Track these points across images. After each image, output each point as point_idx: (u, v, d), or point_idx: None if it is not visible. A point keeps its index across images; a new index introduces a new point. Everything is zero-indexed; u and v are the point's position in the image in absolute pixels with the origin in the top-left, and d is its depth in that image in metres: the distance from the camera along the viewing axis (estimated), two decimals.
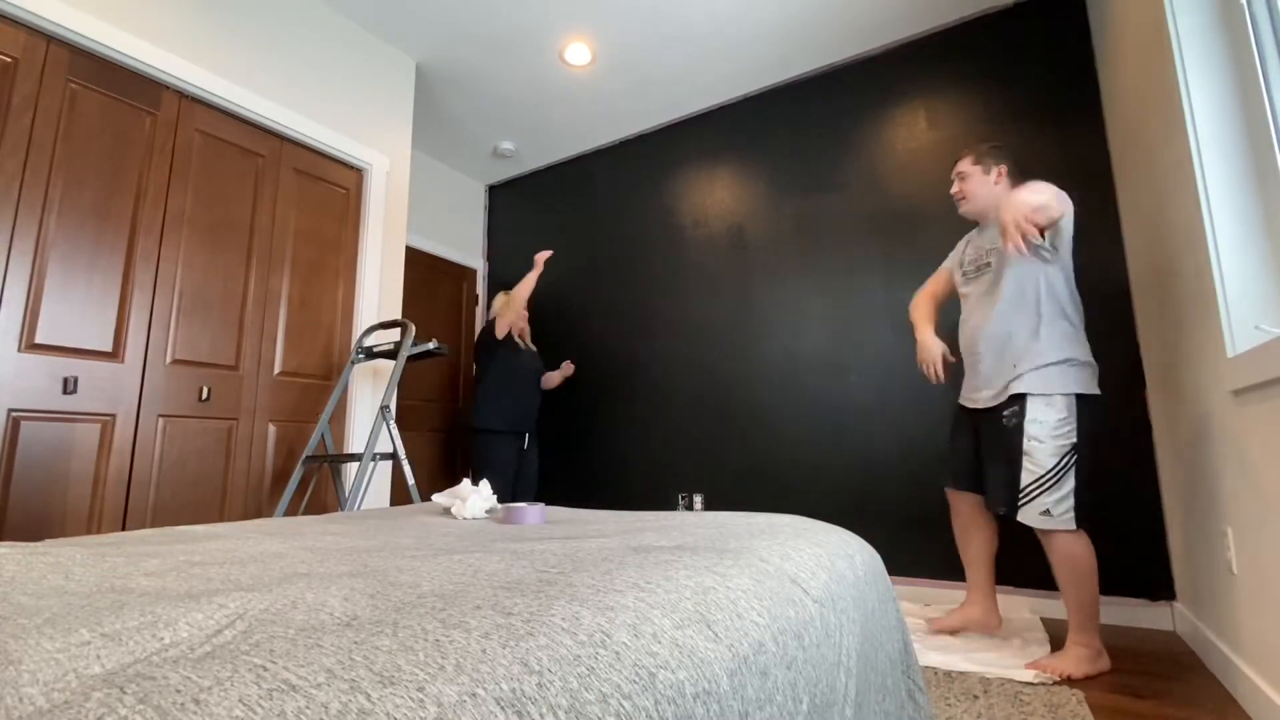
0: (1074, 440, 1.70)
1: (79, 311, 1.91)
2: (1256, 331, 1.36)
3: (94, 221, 1.96)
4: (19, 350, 1.79)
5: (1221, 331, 1.42)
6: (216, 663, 0.42)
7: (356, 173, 2.80)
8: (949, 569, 2.52)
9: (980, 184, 1.94)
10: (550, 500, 3.68)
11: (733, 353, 3.22)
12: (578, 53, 3.03)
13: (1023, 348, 1.78)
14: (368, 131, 2.83)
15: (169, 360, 2.12)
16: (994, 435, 1.85)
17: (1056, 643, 1.98)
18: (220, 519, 2.21)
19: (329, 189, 2.68)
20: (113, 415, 1.97)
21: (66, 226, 1.90)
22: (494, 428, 3.06)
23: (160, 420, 2.08)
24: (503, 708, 0.40)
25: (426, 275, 3.84)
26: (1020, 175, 1.94)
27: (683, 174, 3.55)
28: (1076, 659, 1.69)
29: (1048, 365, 1.74)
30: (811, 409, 2.95)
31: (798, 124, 3.20)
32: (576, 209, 3.95)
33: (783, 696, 0.61)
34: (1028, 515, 1.72)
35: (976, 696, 1.52)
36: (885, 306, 2.82)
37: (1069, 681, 1.64)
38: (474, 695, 0.40)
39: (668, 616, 0.57)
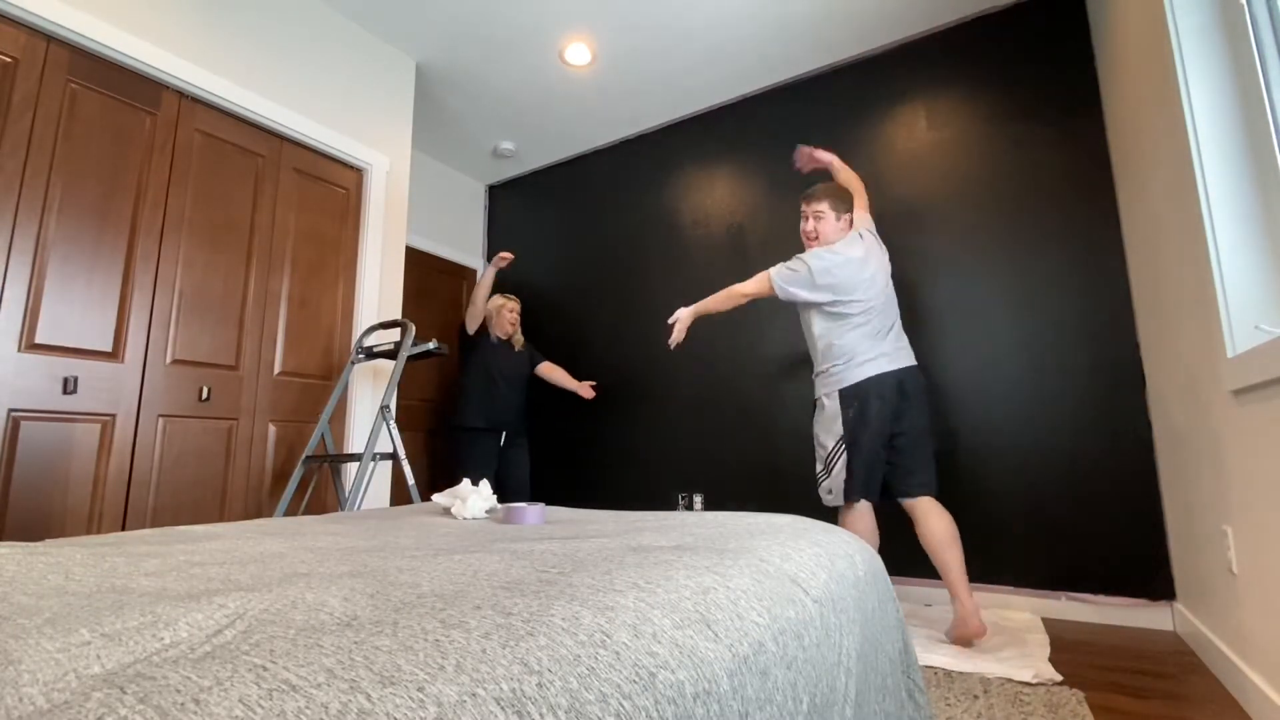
0: (839, 432, 2.11)
1: (79, 311, 1.91)
2: (1256, 331, 1.36)
3: (94, 221, 1.96)
4: (19, 350, 1.79)
5: (1221, 331, 1.42)
6: (216, 663, 0.42)
7: (356, 173, 2.80)
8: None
9: (832, 228, 2.22)
10: (550, 500, 3.68)
11: (733, 352, 3.22)
12: (578, 53, 3.03)
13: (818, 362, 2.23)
14: (368, 131, 2.83)
15: (169, 360, 2.12)
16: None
17: (1058, 642, 1.98)
18: (220, 519, 2.21)
19: (329, 189, 2.68)
20: (113, 415, 1.97)
21: (66, 226, 1.90)
22: (468, 425, 3.11)
23: (160, 420, 2.08)
24: (503, 708, 0.40)
25: (426, 275, 3.84)
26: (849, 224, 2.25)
27: (683, 174, 3.55)
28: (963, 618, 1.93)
29: (818, 374, 2.22)
30: (811, 409, 2.95)
31: (798, 124, 3.20)
32: (577, 209, 3.95)
33: (783, 696, 0.61)
34: (825, 488, 2.16)
35: (976, 696, 1.52)
36: None
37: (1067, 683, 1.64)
38: (474, 695, 0.40)
39: (668, 616, 0.57)
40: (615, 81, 3.25)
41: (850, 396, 2.09)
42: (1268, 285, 1.37)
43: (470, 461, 3.08)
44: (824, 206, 2.23)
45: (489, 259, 4.31)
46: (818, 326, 2.19)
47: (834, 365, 2.14)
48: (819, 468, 2.16)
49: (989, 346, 2.57)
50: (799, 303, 2.20)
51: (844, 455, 2.07)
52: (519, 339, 3.36)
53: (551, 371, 3.37)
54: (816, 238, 2.24)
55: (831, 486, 2.11)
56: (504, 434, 3.20)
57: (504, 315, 3.26)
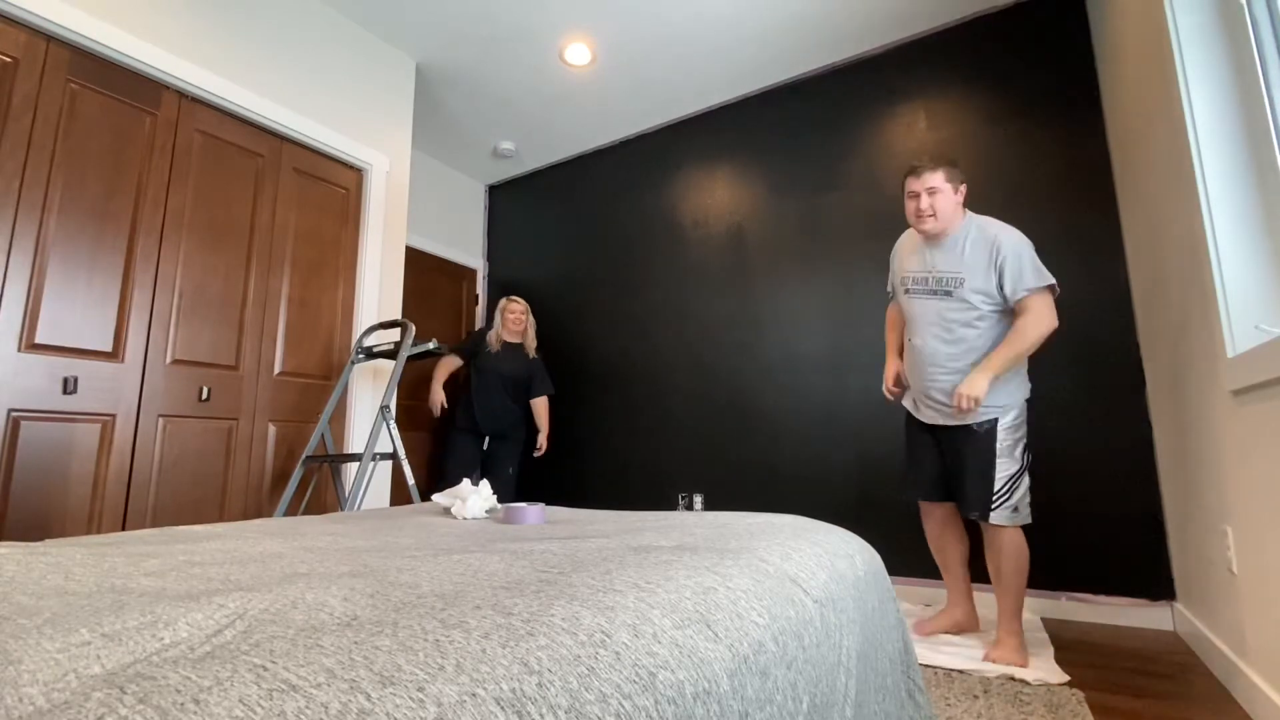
0: (1027, 439, 1.87)
1: (79, 311, 1.91)
2: (1256, 331, 1.36)
3: (94, 221, 1.96)
4: (19, 350, 1.79)
5: (1221, 331, 1.42)
6: (216, 663, 0.42)
7: (356, 173, 2.80)
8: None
9: (949, 202, 1.89)
10: (550, 500, 3.68)
11: (733, 352, 3.22)
12: (578, 53, 3.03)
13: (948, 374, 1.91)
14: (368, 131, 2.83)
15: (169, 360, 2.12)
16: (962, 445, 1.90)
17: (1059, 642, 1.98)
18: (220, 519, 2.21)
19: (329, 189, 2.68)
20: (113, 415, 1.97)
21: (66, 226, 1.90)
22: (455, 425, 3.24)
23: (160, 420, 2.08)
24: (503, 708, 0.40)
25: (426, 275, 3.84)
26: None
27: (683, 174, 3.55)
28: (1017, 648, 1.79)
29: (1008, 380, 1.87)
30: (811, 409, 2.95)
31: (798, 124, 3.20)
32: (576, 209, 3.95)
33: (783, 696, 0.61)
34: (1000, 515, 1.81)
35: (976, 696, 1.52)
36: (885, 306, 2.81)
37: (1069, 684, 1.64)
38: (474, 695, 0.40)
39: (668, 616, 0.57)
40: (615, 81, 3.25)
41: (1032, 403, 1.89)
42: (1268, 285, 1.37)
43: (449, 461, 3.19)
44: (939, 179, 1.87)
45: (489, 259, 4.31)
46: (1002, 316, 1.88)
47: (1019, 369, 1.88)
48: (1001, 483, 1.82)
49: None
50: (970, 286, 1.88)
51: (1028, 465, 1.85)
52: (531, 343, 3.33)
53: (539, 410, 3.32)
54: (934, 215, 1.88)
55: (1019, 503, 1.81)
56: (487, 437, 3.25)
57: (506, 318, 3.27)
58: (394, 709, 0.37)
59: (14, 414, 1.77)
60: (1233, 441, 1.46)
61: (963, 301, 1.88)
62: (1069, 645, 1.96)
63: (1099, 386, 2.34)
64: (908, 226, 2.13)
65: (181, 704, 0.36)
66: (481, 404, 3.18)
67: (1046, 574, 2.35)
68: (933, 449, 2.03)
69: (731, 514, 1.16)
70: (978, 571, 2.38)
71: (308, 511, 2.46)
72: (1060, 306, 2.44)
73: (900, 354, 2.15)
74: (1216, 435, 1.57)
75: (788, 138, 3.22)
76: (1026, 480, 1.84)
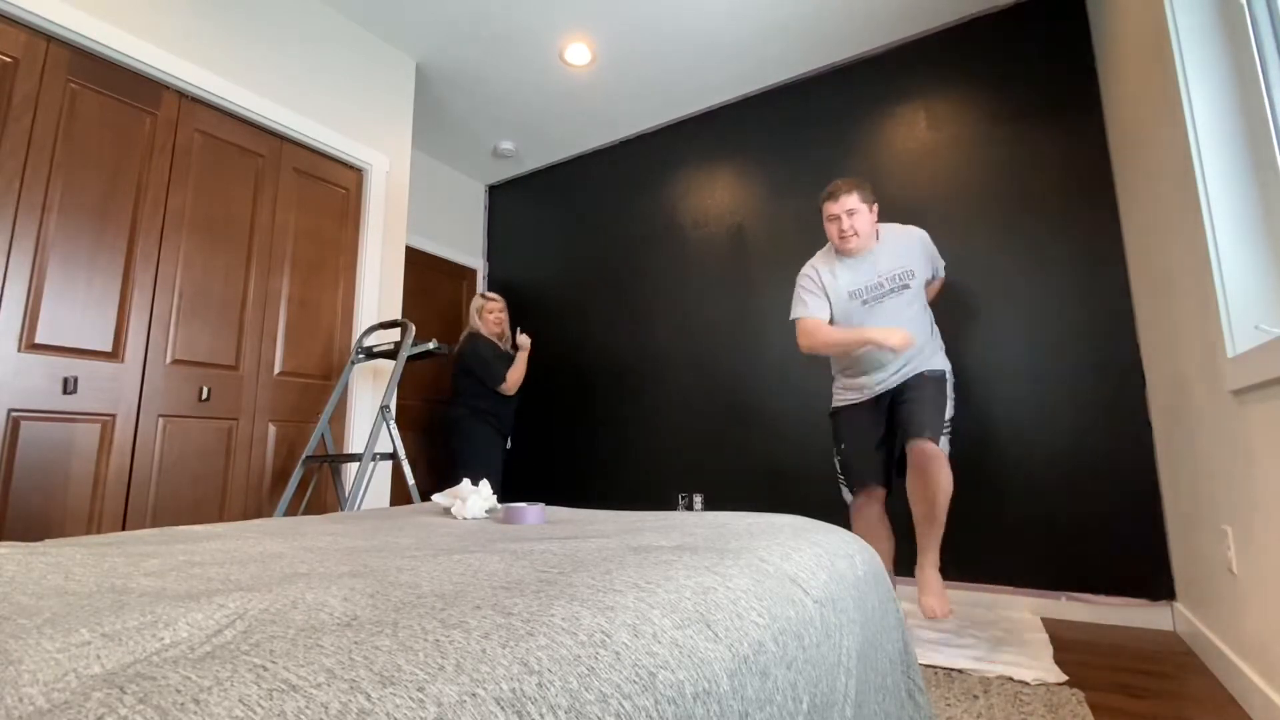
0: (953, 410, 2.11)
1: (79, 311, 1.91)
2: (1256, 331, 1.36)
3: (94, 221, 1.96)
4: (19, 350, 1.79)
5: (1221, 331, 1.42)
6: (216, 663, 0.42)
7: (356, 173, 2.80)
8: (949, 569, 2.52)
9: (867, 220, 2.08)
10: (550, 500, 3.68)
11: (733, 352, 3.22)
12: (578, 53, 3.03)
13: (928, 343, 2.13)
14: (367, 131, 2.83)
15: (169, 360, 2.12)
16: (920, 388, 2.06)
17: (1059, 641, 1.98)
18: (220, 519, 2.21)
19: (329, 189, 2.68)
20: (113, 415, 1.97)
21: (66, 226, 1.90)
22: (490, 426, 3.14)
23: (160, 420, 2.08)
24: (503, 708, 0.40)
25: (426, 275, 3.84)
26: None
27: (683, 174, 3.55)
28: (942, 590, 1.96)
29: (940, 352, 2.16)
30: (811, 409, 2.95)
31: (798, 124, 3.20)
32: (576, 209, 3.95)
33: (783, 696, 0.61)
34: (944, 444, 2.01)
35: (976, 696, 1.52)
36: None
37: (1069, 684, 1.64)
38: (474, 695, 0.40)
39: (668, 616, 0.57)
40: (615, 81, 3.25)
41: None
42: (1268, 285, 1.37)
43: (488, 458, 3.01)
44: (855, 200, 2.04)
45: (489, 259, 4.31)
46: (925, 302, 2.17)
47: (939, 341, 2.18)
48: (948, 417, 2.06)
49: (988, 346, 2.57)
50: (919, 272, 2.12)
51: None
52: (507, 336, 3.25)
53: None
54: (856, 234, 2.04)
55: (947, 442, 2.06)
56: (509, 439, 3.20)
57: (487, 317, 3.14)
58: (394, 709, 0.37)
59: (14, 414, 1.77)
60: (1233, 441, 1.46)
61: (912, 291, 2.10)
62: (1069, 645, 1.96)
63: (1099, 386, 2.34)
64: (907, 226, 2.18)
65: (181, 704, 0.36)
66: (508, 408, 3.12)
67: (1046, 574, 2.35)
68: (877, 429, 2.15)
69: (731, 514, 1.16)
70: (1005, 573, 2.39)
71: (308, 511, 2.46)
72: (1060, 306, 2.46)
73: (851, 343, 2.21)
74: (1216, 435, 1.57)
75: (788, 138, 3.22)
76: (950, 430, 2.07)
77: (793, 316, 2.20)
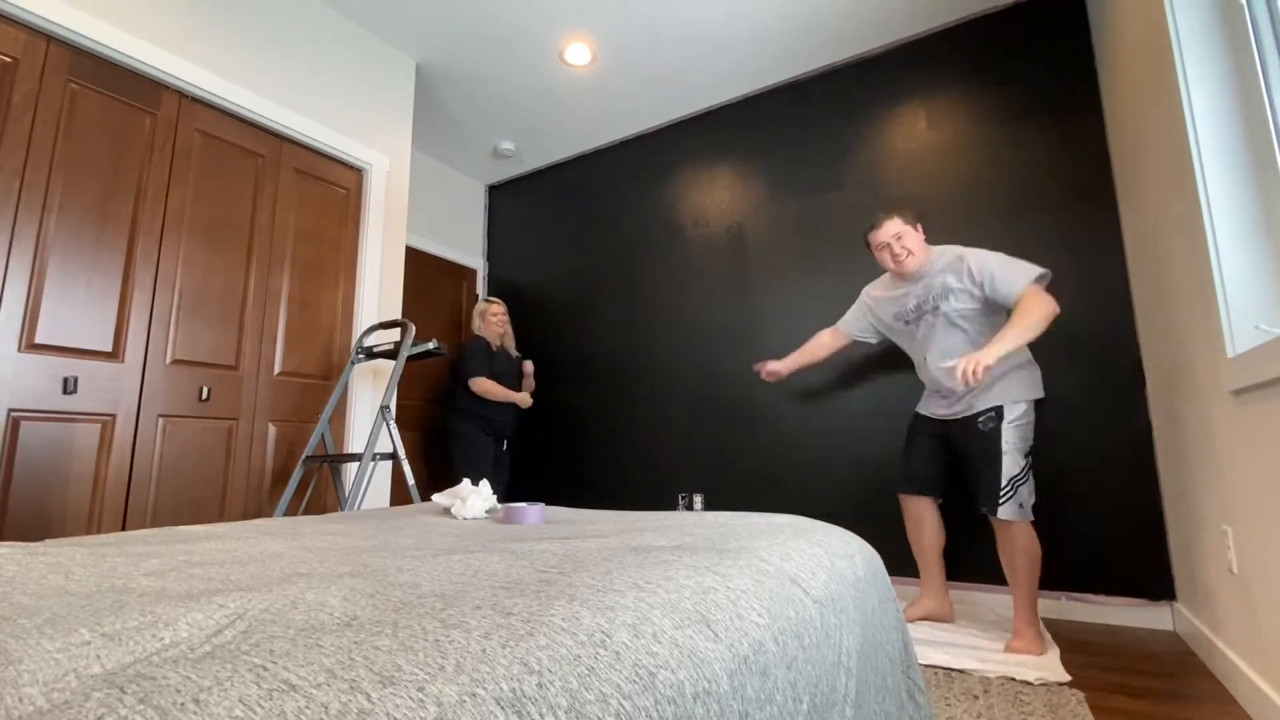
0: (1032, 440, 1.95)
1: (79, 311, 1.91)
2: (1256, 331, 1.36)
3: (94, 221, 1.96)
4: (19, 350, 1.79)
5: (1221, 331, 1.42)
6: (216, 663, 0.42)
7: (356, 173, 2.80)
8: (949, 569, 2.52)
9: (915, 240, 2.09)
10: (550, 500, 3.68)
11: (733, 352, 3.22)
12: (578, 52, 3.03)
13: (993, 376, 1.97)
14: (367, 131, 2.83)
15: (169, 360, 2.12)
16: (970, 442, 2.00)
17: (1060, 641, 1.98)
18: (220, 519, 2.21)
19: (329, 189, 2.68)
20: (113, 415, 1.97)
21: (66, 226, 1.90)
22: (479, 429, 3.19)
23: (160, 420, 2.08)
24: (503, 708, 0.40)
25: (426, 275, 3.84)
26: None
27: (683, 174, 3.55)
28: (1035, 638, 1.87)
29: (1008, 373, 1.96)
30: (811, 409, 2.95)
31: (798, 124, 3.20)
32: (576, 209, 3.95)
33: (783, 696, 0.61)
34: (1008, 511, 1.89)
35: (976, 696, 1.52)
36: None
37: (1070, 684, 1.64)
38: (474, 695, 0.40)
39: (668, 616, 0.57)
40: (615, 81, 3.25)
41: (1042, 406, 1.99)
42: (1268, 285, 1.37)
43: (477, 462, 3.06)
44: (899, 225, 2.08)
45: (489, 259, 4.31)
46: (994, 317, 2.01)
47: (1022, 363, 1.97)
48: (1007, 478, 1.89)
49: None
50: (958, 292, 2.02)
51: (1031, 465, 1.93)
52: (511, 342, 3.33)
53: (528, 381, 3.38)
54: (911, 253, 2.07)
55: (1024, 499, 1.90)
56: (505, 439, 3.22)
57: (489, 320, 3.21)
58: (394, 709, 0.37)
59: (14, 414, 1.77)
60: (1233, 441, 1.46)
61: (944, 314, 2.04)
62: (1069, 645, 1.96)
63: (1099, 386, 2.34)
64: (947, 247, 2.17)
65: (181, 704, 0.36)
66: (499, 409, 3.14)
67: (1047, 574, 2.34)
68: (932, 447, 2.17)
69: (731, 514, 1.16)
70: (976, 571, 2.39)
71: (308, 511, 2.46)
72: (1061, 306, 2.45)
73: (804, 360, 2.48)
74: (1216, 435, 1.57)
75: (788, 137, 3.22)
76: (1031, 481, 1.92)
77: (839, 325, 2.45)
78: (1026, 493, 1.89)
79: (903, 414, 2.71)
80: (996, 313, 2.00)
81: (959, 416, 2.05)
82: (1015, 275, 1.91)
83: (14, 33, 1.85)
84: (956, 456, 2.11)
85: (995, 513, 1.89)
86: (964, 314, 2.01)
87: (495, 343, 3.22)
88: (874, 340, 2.39)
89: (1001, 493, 1.88)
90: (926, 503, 2.18)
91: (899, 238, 2.08)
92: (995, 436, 1.91)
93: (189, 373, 2.16)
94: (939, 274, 2.05)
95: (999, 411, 1.93)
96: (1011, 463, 1.89)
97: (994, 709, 1.45)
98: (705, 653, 0.54)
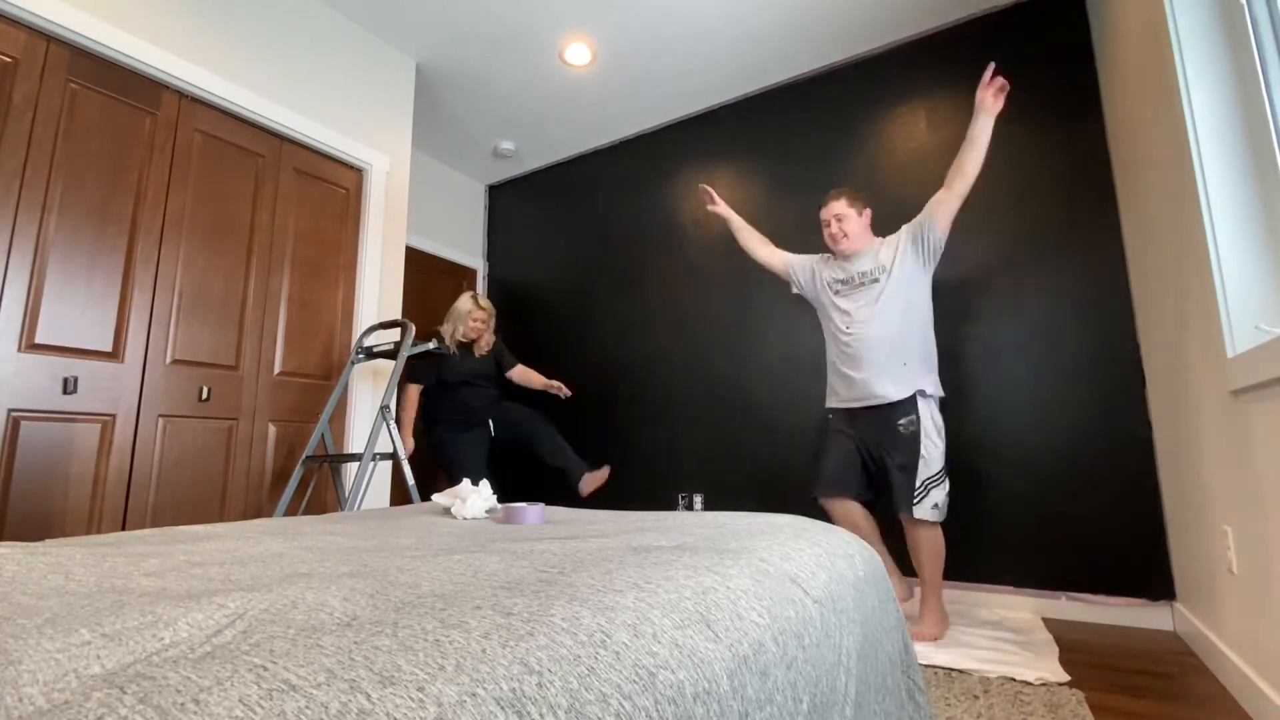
0: (944, 440, 2.04)
1: (79, 311, 1.91)
2: (1256, 331, 1.36)
3: (94, 221, 1.96)
4: (19, 350, 1.79)
5: (1221, 331, 1.42)
6: (216, 663, 0.42)
7: (356, 173, 2.80)
8: (949, 569, 2.51)
9: (858, 226, 2.18)
10: (550, 500, 3.67)
11: (733, 352, 3.22)
12: (578, 53, 3.03)
13: (914, 349, 2.07)
14: (367, 131, 2.83)
15: (169, 360, 2.12)
16: (889, 442, 2.06)
17: (1061, 642, 1.98)
18: (220, 519, 2.21)
19: (329, 189, 2.68)
20: (113, 415, 1.97)
21: (66, 226, 1.90)
22: (449, 427, 3.02)
23: (160, 420, 2.08)
24: (503, 708, 0.40)
25: (426, 275, 3.84)
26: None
27: (683, 174, 3.55)
28: (935, 621, 2.01)
29: (933, 370, 2.10)
30: (811, 409, 2.95)
31: (798, 124, 3.20)
32: (576, 209, 3.95)
33: (783, 696, 0.61)
34: (922, 511, 1.97)
35: (976, 696, 1.52)
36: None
37: (1071, 683, 1.64)
38: (474, 695, 0.40)
39: (668, 616, 0.57)
40: (615, 81, 3.25)
41: (945, 405, 2.12)
42: (1268, 285, 1.37)
43: (449, 463, 2.92)
44: (842, 205, 2.18)
45: (489, 259, 4.31)
46: (928, 306, 2.14)
47: (933, 362, 2.11)
48: (922, 479, 1.98)
49: (988, 346, 2.57)
50: (931, 261, 2.10)
51: (947, 464, 2.03)
52: (485, 343, 3.03)
53: (526, 375, 3.14)
54: (845, 236, 2.16)
55: (939, 501, 1.98)
56: (481, 425, 3.01)
57: (470, 321, 2.95)
58: (394, 709, 0.37)
59: (14, 414, 1.77)
60: (1233, 441, 1.46)
61: (883, 287, 2.11)
62: (1069, 645, 1.96)
63: (1099, 386, 2.34)
64: (907, 226, 2.18)
65: (181, 704, 0.36)
66: (454, 398, 2.95)
67: (1046, 574, 2.35)
68: (850, 447, 2.18)
69: (731, 514, 1.16)
70: (1005, 574, 2.39)
71: (308, 511, 2.46)
72: (1060, 306, 2.46)
73: (742, 229, 2.53)
74: (1216, 435, 1.57)
75: (788, 138, 3.22)
76: (946, 483, 2.01)
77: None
78: (940, 494, 1.98)
79: None
80: (925, 294, 2.12)
81: (867, 405, 2.09)
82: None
83: (14, 33, 1.85)
84: (873, 456, 2.13)
85: (911, 513, 1.97)
86: (896, 292, 2.09)
87: (452, 341, 2.96)
88: (794, 289, 2.41)
89: (915, 494, 1.97)
90: (853, 505, 2.17)
91: (840, 219, 2.17)
92: (916, 440, 2.00)
93: (189, 373, 2.16)
94: (879, 257, 2.15)
95: (918, 411, 2.01)
96: (926, 466, 1.98)
97: (994, 709, 1.45)
98: (705, 653, 0.54)
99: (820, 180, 3.07)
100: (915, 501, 1.97)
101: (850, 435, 2.17)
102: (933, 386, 2.06)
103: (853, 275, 2.19)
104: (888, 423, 2.05)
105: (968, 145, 2.00)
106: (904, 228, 2.16)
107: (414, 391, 2.95)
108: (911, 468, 1.99)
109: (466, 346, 3.04)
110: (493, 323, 3.10)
